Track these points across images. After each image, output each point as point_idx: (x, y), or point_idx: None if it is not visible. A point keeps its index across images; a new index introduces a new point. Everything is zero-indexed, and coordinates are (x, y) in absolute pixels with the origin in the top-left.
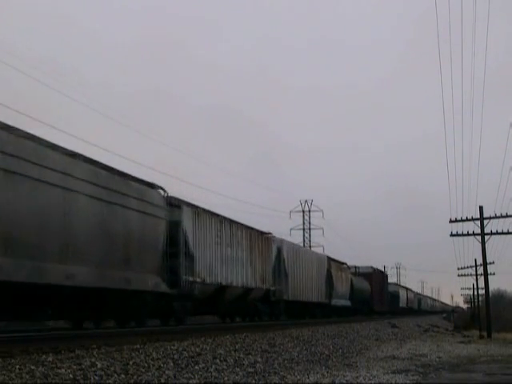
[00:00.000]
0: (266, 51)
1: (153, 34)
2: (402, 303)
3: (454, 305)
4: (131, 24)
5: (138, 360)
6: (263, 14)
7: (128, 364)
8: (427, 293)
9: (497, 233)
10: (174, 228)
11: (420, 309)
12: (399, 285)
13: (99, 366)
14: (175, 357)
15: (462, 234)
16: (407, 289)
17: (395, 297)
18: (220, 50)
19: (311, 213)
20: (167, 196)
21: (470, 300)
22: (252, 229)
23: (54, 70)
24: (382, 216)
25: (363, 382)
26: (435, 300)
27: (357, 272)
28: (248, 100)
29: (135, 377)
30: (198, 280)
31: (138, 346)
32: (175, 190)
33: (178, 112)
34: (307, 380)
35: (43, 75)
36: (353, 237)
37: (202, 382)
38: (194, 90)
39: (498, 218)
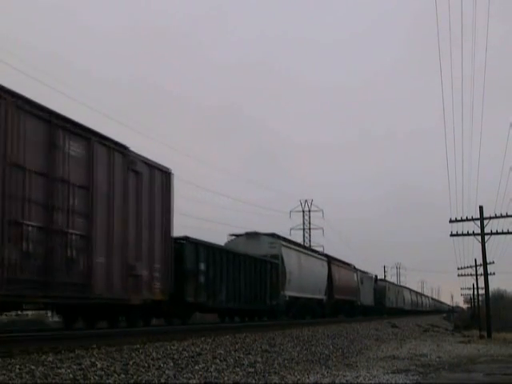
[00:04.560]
0: (264, 48)
1: (152, 28)
2: (297, 289)
3: (454, 305)
4: (130, 18)
5: (138, 360)
6: (263, 12)
7: (128, 364)
8: (427, 292)
9: (497, 233)
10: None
11: (383, 306)
12: (285, 241)
13: (99, 365)
14: (175, 357)
15: (462, 234)
16: (332, 260)
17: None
18: (219, 47)
19: (311, 213)
20: None
21: (470, 300)
22: None
23: (53, 69)
24: (382, 216)
25: (363, 381)
26: (423, 296)
27: None
28: (247, 98)
29: (135, 377)
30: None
31: (138, 346)
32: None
33: (178, 110)
34: (307, 380)
35: (44, 74)
36: (353, 237)
37: (202, 381)
38: (192, 88)
39: (498, 217)
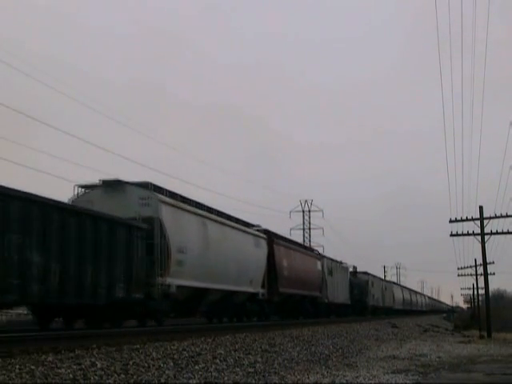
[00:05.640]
0: (264, 47)
1: (150, 28)
2: (199, 277)
3: (454, 305)
4: (129, 17)
5: (137, 360)
6: (264, 11)
7: (128, 364)
8: (427, 292)
9: (497, 233)
10: None
11: (365, 305)
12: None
13: (99, 365)
14: (175, 357)
15: (462, 234)
16: (276, 239)
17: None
18: (219, 46)
19: (311, 213)
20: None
21: (470, 300)
22: None
23: (54, 70)
24: (382, 216)
25: (363, 381)
26: (419, 294)
27: None
28: (247, 98)
29: (135, 377)
30: None
31: (138, 346)
32: (175, 189)
33: (177, 110)
34: (307, 380)
35: (44, 75)
36: (353, 236)
37: (202, 381)
38: (193, 87)
39: (498, 217)
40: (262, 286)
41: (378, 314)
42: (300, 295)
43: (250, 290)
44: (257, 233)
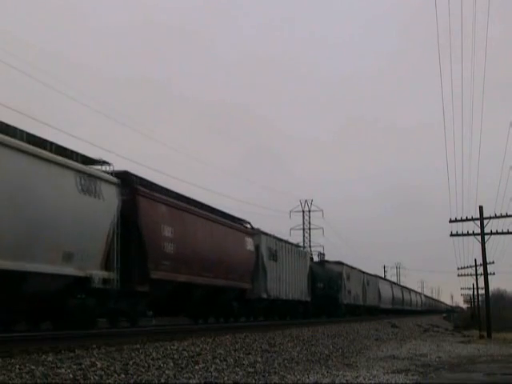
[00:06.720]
0: (265, 42)
1: (151, 25)
2: None
3: (454, 304)
4: (129, 14)
5: (137, 360)
6: (262, 6)
7: (128, 364)
8: (427, 292)
9: (497, 233)
10: None
11: (337, 303)
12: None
13: (99, 365)
14: (175, 357)
15: (462, 234)
16: (142, 190)
17: None
18: (220, 43)
19: (311, 213)
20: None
21: (470, 300)
22: None
23: (54, 68)
24: (382, 215)
25: (363, 381)
26: (413, 292)
27: None
28: (247, 96)
29: (135, 377)
30: None
31: (138, 346)
32: (174, 188)
33: (177, 109)
34: (307, 380)
35: (44, 74)
36: (353, 236)
37: (202, 381)
38: (192, 85)
39: (498, 217)
40: (106, 267)
41: (358, 315)
42: (210, 286)
43: (69, 271)
44: (93, 171)
